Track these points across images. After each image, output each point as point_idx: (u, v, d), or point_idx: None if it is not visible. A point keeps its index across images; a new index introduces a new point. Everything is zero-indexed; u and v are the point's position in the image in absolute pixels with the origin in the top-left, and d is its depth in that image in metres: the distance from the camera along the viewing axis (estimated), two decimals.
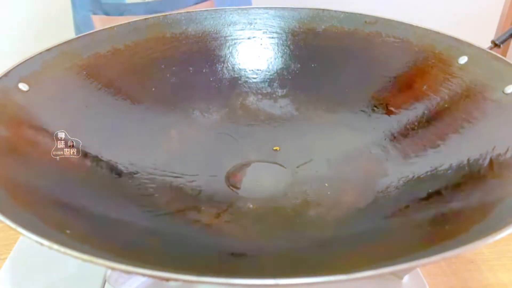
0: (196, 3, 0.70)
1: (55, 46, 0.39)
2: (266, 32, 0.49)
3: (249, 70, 0.49)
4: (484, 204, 0.28)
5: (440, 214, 0.30)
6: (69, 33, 0.41)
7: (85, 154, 0.36)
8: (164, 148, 0.41)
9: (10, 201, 0.26)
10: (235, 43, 0.49)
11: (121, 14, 0.68)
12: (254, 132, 0.44)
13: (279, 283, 0.20)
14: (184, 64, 0.47)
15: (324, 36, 0.48)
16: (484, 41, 0.40)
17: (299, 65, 0.48)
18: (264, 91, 0.48)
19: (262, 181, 0.39)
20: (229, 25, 0.49)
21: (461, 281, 0.36)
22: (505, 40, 0.41)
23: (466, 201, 0.30)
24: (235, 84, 0.48)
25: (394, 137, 0.40)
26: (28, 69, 0.36)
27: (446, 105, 0.39)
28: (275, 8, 0.49)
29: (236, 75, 0.48)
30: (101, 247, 0.26)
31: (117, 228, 0.31)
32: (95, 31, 0.43)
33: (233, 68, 0.48)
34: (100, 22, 0.67)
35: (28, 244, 0.36)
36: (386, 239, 0.31)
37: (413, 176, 0.36)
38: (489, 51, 0.38)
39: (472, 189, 0.31)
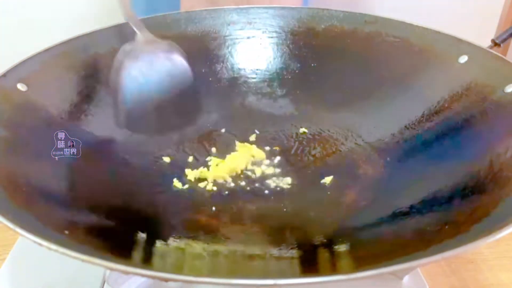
0: None
1: (53, 46, 0.39)
2: (265, 31, 0.49)
3: (249, 70, 0.48)
4: (484, 204, 0.28)
5: (440, 214, 0.30)
6: (68, 33, 0.41)
7: (85, 154, 0.36)
8: (163, 148, 0.41)
9: (9, 201, 0.26)
10: (234, 43, 0.48)
11: None
12: (253, 132, 0.44)
13: (278, 283, 0.20)
14: None
15: (324, 36, 0.47)
16: (484, 41, 0.40)
17: (298, 65, 0.48)
18: (264, 91, 0.48)
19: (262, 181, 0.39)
20: (229, 24, 0.49)
21: (461, 281, 0.36)
22: (505, 39, 0.41)
23: (466, 201, 0.30)
24: (234, 84, 0.48)
25: (394, 137, 0.40)
26: (27, 69, 0.36)
27: (446, 105, 0.38)
28: (274, 7, 0.49)
29: (235, 75, 0.48)
30: (100, 247, 0.26)
31: (116, 228, 0.31)
32: (94, 31, 0.43)
33: (232, 68, 0.48)
34: None
35: (27, 245, 0.36)
36: (386, 239, 0.31)
37: (413, 176, 0.36)
38: (489, 50, 0.38)
39: (472, 189, 0.31)
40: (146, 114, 0.37)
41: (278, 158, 0.41)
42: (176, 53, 0.38)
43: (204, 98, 0.46)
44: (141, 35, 0.37)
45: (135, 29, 0.37)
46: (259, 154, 0.41)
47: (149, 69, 0.36)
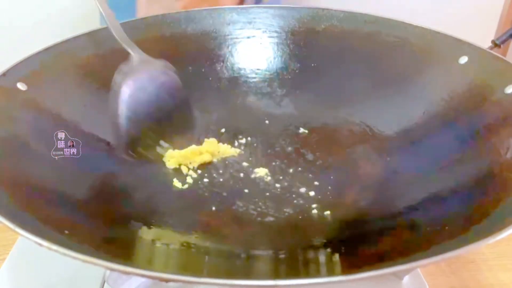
0: None
1: (53, 46, 0.39)
2: (265, 31, 0.49)
3: (249, 70, 0.48)
4: (484, 205, 0.28)
5: (440, 214, 0.30)
6: (67, 32, 0.41)
7: (85, 154, 0.36)
8: (163, 148, 0.41)
9: (9, 201, 0.26)
10: (234, 43, 0.48)
11: None
12: (253, 132, 0.44)
13: (279, 284, 0.20)
14: (183, 63, 0.47)
15: (324, 36, 0.47)
16: (484, 41, 0.40)
17: (298, 65, 0.48)
18: (264, 91, 0.48)
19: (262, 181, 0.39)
20: (229, 24, 0.49)
21: (461, 281, 0.36)
22: (505, 40, 0.41)
23: (466, 201, 0.30)
24: (234, 83, 0.48)
25: (394, 137, 0.40)
26: (27, 68, 0.36)
27: (446, 105, 0.38)
28: (274, 7, 0.49)
29: (235, 75, 0.48)
30: (100, 247, 0.26)
31: (117, 229, 0.31)
32: (93, 31, 0.43)
33: (232, 67, 0.48)
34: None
35: (27, 245, 0.36)
36: (386, 239, 0.31)
37: (414, 176, 0.36)
38: (489, 51, 0.38)
39: (472, 189, 0.31)
40: (146, 131, 0.39)
41: (277, 160, 0.41)
42: (169, 70, 0.40)
43: (204, 98, 0.46)
44: (135, 55, 0.38)
45: (129, 50, 0.39)
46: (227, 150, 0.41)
47: (146, 87, 0.38)
